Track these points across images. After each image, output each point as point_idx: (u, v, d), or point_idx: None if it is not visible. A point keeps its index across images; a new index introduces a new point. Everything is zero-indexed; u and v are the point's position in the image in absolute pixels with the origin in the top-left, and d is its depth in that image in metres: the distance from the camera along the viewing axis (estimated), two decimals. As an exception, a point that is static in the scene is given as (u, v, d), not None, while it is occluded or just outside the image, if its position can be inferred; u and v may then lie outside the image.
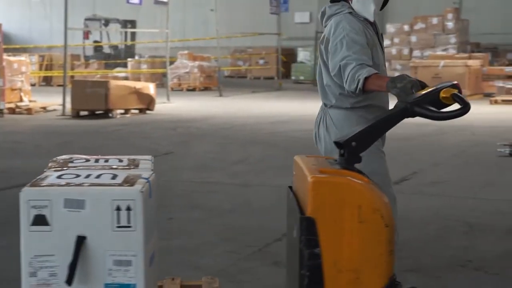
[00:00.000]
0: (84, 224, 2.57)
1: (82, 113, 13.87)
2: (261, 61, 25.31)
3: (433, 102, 2.96)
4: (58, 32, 23.06)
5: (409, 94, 3.09)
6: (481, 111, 14.01)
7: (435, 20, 19.56)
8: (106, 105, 13.58)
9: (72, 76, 18.33)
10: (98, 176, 2.69)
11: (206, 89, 21.03)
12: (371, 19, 3.69)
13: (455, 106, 2.85)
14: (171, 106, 16.01)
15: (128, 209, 2.59)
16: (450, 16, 19.58)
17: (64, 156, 3.06)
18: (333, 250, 2.63)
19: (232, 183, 7.43)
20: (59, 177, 2.68)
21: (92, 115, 13.83)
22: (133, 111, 14.21)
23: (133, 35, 24.53)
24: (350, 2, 3.74)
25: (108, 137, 11.08)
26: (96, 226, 2.58)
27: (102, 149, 9.82)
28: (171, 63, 20.45)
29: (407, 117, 2.98)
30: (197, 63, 21.05)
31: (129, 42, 24.44)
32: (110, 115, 13.61)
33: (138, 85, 14.67)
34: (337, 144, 2.89)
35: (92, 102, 13.67)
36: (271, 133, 11.30)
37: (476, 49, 21.62)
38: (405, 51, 20.26)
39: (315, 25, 23.86)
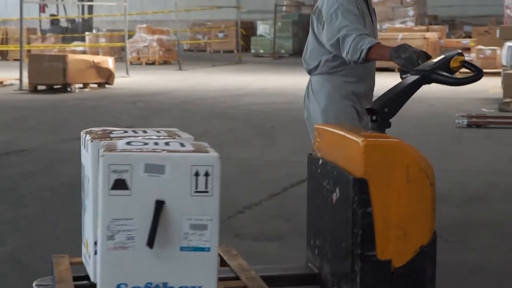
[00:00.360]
0: (163, 189, 2.61)
1: (40, 87, 13.69)
2: (220, 35, 25.20)
3: (445, 69, 3.20)
4: (13, 5, 22.65)
5: (415, 64, 3.31)
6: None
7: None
8: (64, 79, 13.42)
9: (28, 50, 18.05)
10: (167, 144, 2.74)
11: (165, 63, 20.89)
12: None
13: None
14: (130, 80, 15.89)
15: (206, 174, 2.64)
16: (408, -12, 19.68)
17: (94, 129, 3.08)
18: (383, 209, 2.80)
19: (193, 156, 7.41)
20: (128, 143, 2.72)
21: (50, 89, 13.66)
22: (92, 85, 14.07)
23: (91, 8, 24.22)
24: None
25: (67, 112, 10.97)
26: (175, 191, 2.63)
27: (61, 124, 9.73)
28: (130, 37, 20.25)
29: (426, 83, 3.19)
30: (156, 36, 20.87)
31: (86, 16, 24.14)
32: (69, 89, 13.46)
33: (97, 59, 14.51)
34: (370, 110, 3.09)
35: (50, 77, 13.49)
36: (231, 106, 11.29)
37: (434, 21, 21.78)
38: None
39: (274, -2, 23.82)
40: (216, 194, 2.65)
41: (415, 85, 3.19)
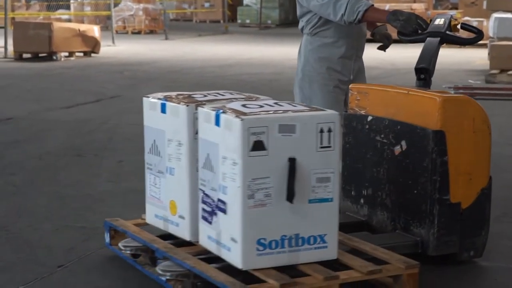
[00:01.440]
0: (294, 147, 2.86)
1: (25, 55, 13.57)
2: (206, 4, 25.03)
3: (449, 29, 3.64)
4: (-3, -28, 22.38)
5: (413, 25, 3.64)
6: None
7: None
8: (50, 47, 13.31)
9: (13, 18, 17.86)
10: (275, 104, 3.00)
11: (151, 32, 20.75)
12: None
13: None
14: (116, 49, 15.77)
15: (329, 130, 2.91)
16: (395, -41, 19.58)
17: (166, 93, 3.31)
18: (455, 157, 3.23)
19: (181, 126, 7.39)
20: (244, 106, 2.96)
21: (36, 57, 13.54)
22: (77, 54, 13.96)
23: (75, -24, 23.95)
24: None
25: (52, 80, 10.88)
26: (304, 148, 2.88)
27: (47, 92, 9.66)
28: (116, 5, 20.07)
29: (443, 43, 3.62)
30: (142, 5, 20.70)
31: (71, -16, 23.86)
32: (54, 57, 13.35)
33: (83, 27, 14.38)
34: (422, 69, 3.54)
35: (35, 45, 13.37)
36: (219, 76, 11.25)
37: (421, -8, 21.73)
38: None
39: (261, -33, 23.64)
40: (336, 148, 2.95)
41: (439, 47, 3.59)
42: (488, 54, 11.31)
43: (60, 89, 9.97)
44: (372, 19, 3.85)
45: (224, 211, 2.91)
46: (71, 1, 22.10)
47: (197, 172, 3.11)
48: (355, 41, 4.04)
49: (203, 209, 3.06)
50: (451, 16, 3.66)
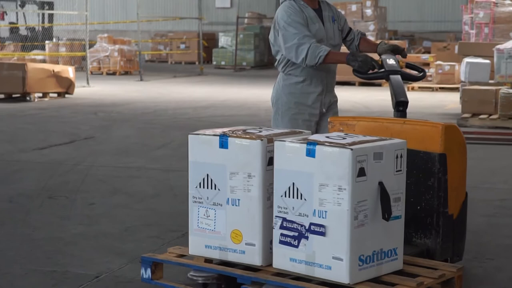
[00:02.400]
0: (381, 172, 3.28)
1: (-1, 96, 13.52)
2: (182, 46, 25.15)
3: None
4: (-28, 12, 22.40)
5: (370, 65, 4.17)
6: (399, 98, 14.28)
7: (354, 7, 19.82)
8: (23, 88, 13.28)
9: (-13, 59, 17.82)
10: (347, 138, 3.38)
11: (126, 73, 20.78)
12: None
13: None
14: (91, 90, 15.77)
15: (401, 156, 3.38)
16: (368, 3, 19.84)
17: (217, 129, 3.64)
18: (450, 176, 3.73)
19: (154, 168, 7.38)
20: (328, 137, 3.36)
21: (9, 98, 13.49)
22: (51, 94, 13.93)
23: (51, 17, 23.99)
24: None
25: (26, 121, 10.84)
26: (387, 172, 3.32)
27: (20, 133, 9.61)
28: (91, 46, 20.10)
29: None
30: (117, 46, 20.74)
31: (46, 24, 23.90)
32: (28, 98, 13.31)
33: (57, 68, 14.37)
34: (403, 102, 4.05)
35: (8, 85, 13.33)
36: (193, 118, 11.27)
37: (394, 36, 22.03)
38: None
39: (236, 10, 23.85)
40: (404, 171, 3.40)
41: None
42: (460, 98, 11.46)
43: (33, 130, 9.93)
44: (333, 61, 4.36)
45: (321, 233, 3.23)
46: (46, 42, 22.11)
47: (268, 201, 3.41)
48: (323, 77, 4.49)
49: (282, 234, 3.33)
50: (394, 56, 4.25)
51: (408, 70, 4.39)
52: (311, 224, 3.25)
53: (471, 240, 4.74)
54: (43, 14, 23.85)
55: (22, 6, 24.05)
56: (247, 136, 3.43)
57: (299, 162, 3.26)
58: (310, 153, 3.24)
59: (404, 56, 4.47)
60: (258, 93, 14.95)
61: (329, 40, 4.52)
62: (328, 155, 3.20)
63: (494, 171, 7.30)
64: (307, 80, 4.46)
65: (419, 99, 13.98)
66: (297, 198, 3.28)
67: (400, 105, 4.02)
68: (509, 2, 14.86)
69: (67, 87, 14.09)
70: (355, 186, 3.17)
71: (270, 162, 3.40)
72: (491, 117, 10.35)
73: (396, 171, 3.35)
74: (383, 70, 4.20)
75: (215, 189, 3.49)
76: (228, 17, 26.03)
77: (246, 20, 24.46)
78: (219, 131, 3.58)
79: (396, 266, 3.41)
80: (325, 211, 3.21)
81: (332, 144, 3.23)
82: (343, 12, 20.88)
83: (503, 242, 4.92)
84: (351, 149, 3.16)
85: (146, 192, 6.32)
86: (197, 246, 3.62)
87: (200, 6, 21.79)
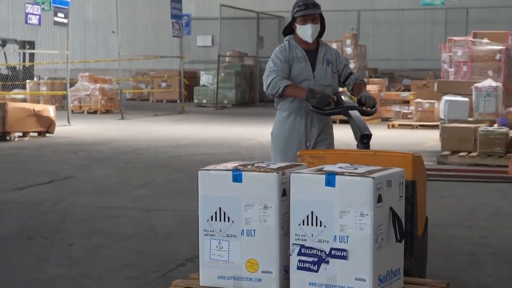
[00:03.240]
0: (390, 198, 3.55)
1: (-22, 135, 13.44)
2: (163, 84, 25.20)
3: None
4: (-48, 52, 22.36)
5: (327, 102, 4.64)
6: (379, 135, 14.36)
7: (334, 45, 20.00)
8: (3, 127, 13.22)
9: (-33, 98, 17.75)
10: (357, 168, 3.65)
11: (108, 112, 20.76)
12: (309, 40, 4.96)
13: None
14: (72, 129, 15.73)
15: (402, 183, 3.67)
16: (348, 41, 20.05)
17: (224, 164, 3.85)
18: (419, 201, 4.02)
19: (134, 207, 7.35)
20: (341, 168, 3.62)
21: (-11, 138, 13.42)
22: (32, 134, 13.88)
23: (32, 56, 24.01)
24: (295, 30, 5.02)
25: (5, 161, 10.77)
26: (394, 198, 3.59)
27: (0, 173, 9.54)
28: (72, 85, 20.10)
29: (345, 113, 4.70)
30: (98, 85, 20.74)
31: (28, 63, 23.90)
32: (8, 138, 13.25)
33: (37, 107, 14.33)
34: (367, 136, 4.50)
35: (-12, 125, 13.27)
36: (174, 156, 11.25)
37: (374, 74, 22.21)
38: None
39: (217, 48, 24.00)
40: (404, 196, 3.72)
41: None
42: (440, 135, 11.53)
43: (13, 170, 9.86)
44: (291, 94, 4.86)
45: (343, 257, 3.48)
46: (27, 81, 22.08)
47: (282, 230, 3.64)
48: (307, 113, 4.91)
49: (301, 261, 3.55)
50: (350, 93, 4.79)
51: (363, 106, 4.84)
52: (331, 249, 3.50)
53: (452, 277, 4.74)
54: (24, 53, 23.86)
55: (3, 45, 24.05)
56: (262, 170, 3.66)
57: (318, 192, 3.51)
58: (330, 183, 3.49)
59: (371, 106, 4.89)
60: (240, 131, 14.98)
61: (319, 81, 4.94)
62: (349, 183, 3.47)
63: (474, 209, 7.33)
64: (292, 115, 4.95)
65: (399, 137, 14.06)
66: (316, 225, 3.52)
67: (365, 138, 4.42)
68: (487, 41, 15.05)
69: (47, 126, 14.05)
70: (376, 212, 3.45)
71: (283, 193, 3.65)
72: (470, 154, 10.42)
73: (399, 197, 3.66)
74: (341, 106, 4.68)
75: (228, 221, 3.68)
76: (210, 56, 26.16)
77: (227, 59, 24.60)
78: (229, 166, 3.78)
79: (400, 285, 3.71)
80: (347, 236, 3.47)
81: (351, 174, 3.50)
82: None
83: (484, 281, 4.92)
84: (373, 178, 3.44)
85: (126, 232, 6.28)
86: (209, 277, 3.74)
87: (182, 45, 21.90)
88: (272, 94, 4.88)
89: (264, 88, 4.96)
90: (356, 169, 3.61)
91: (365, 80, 5.15)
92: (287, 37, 5.09)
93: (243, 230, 3.66)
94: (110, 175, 9.47)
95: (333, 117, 5.13)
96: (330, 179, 3.49)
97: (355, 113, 4.63)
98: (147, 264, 5.24)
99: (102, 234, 6.19)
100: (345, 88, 5.18)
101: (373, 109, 4.86)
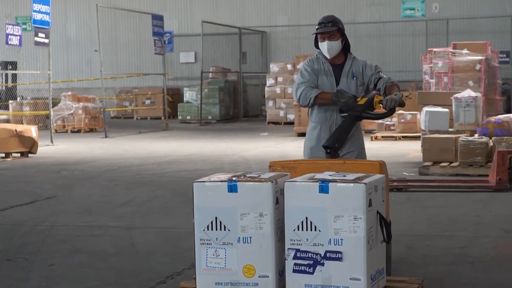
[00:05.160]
0: (377, 202, 3.85)
1: (-39, 157, 13.39)
2: (147, 101, 25.19)
3: (369, 108, 4.87)
4: None
5: (351, 106, 4.84)
6: (362, 147, 14.39)
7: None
8: (-15, 149, 13.17)
9: (-51, 120, 17.68)
10: (346, 175, 3.93)
11: (91, 130, 20.73)
12: (328, 56, 5.26)
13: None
14: (55, 148, 15.69)
15: (383, 189, 3.98)
16: (331, 55, 20.17)
17: (217, 175, 4.08)
18: (387, 205, 4.24)
19: (116, 226, 7.34)
20: (332, 176, 3.87)
21: (-29, 159, 13.36)
22: (14, 154, 13.84)
23: (15, 76, 23.97)
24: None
25: (-13, 182, 10.73)
26: (379, 202, 3.89)
27: (-19, 195, 9.50)
28: (55, 104, 20.06)
29: (359, 120, 4.96)
30: (81, 104, 20.71)
31: (10, 84, 23.86)
32: (-10, 159, 13.21)
33: (19, 128, 14.29)
34: (325, 147, 4.75)
35: (-30, 146, 13.22)
36: (157, 173, 11.25)
37: (357, 87, 22.31)
38: (289, 90, 20.70)
39: (200, 65, 24.04)
40: (385, 201, 4.04)
41: (352, 123, 4.88)
42: (421, 146, 11.59)
43: (-5, 191, 9.82)
44: (321, 101, 5.15)
45: (338, 259, 3.71)
46: (10, 102, 22.04)
47: (277, 236, 3.85)
48: (332, 125, 5.18)
49: (296, 264, 3.78)
50: (374, 95, 4.88)
51: (380, 109, 4.98)
52: (327, 251, 3.72)
53: (430, 289, 4.77)
54: (6, 74, 23.82)
55: (-15, 66, 23.99)
56: (256, 180, 3.86)
57: (312, 199, 3.74)
58: (324, 190, 3.72)
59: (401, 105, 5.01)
60: (223, 147, 14.99)
61: (328, 89, 5.21)
62: (342, 190, 3.72)
63: (455, 219, 7.37)
64: (319, 126, 5.26)
65: (382, 149, 14.12)
66: (311, 230, 3.74)
67: (326, 149, 4.71)
68: (466, 51, 15.18)
69: (30, 146, 14.01)
70: (368, 215, 3.69)
71: (277, 201, 3.86)
72: (451, 164, 10.48)
73: (382, 201, 3.94)
74: (348, 112, 4.96)
75: (224, 230, 3.87)
76: (193, 72, 26.20)
77: (210, 75, 24.64)
78: (223, 177, 3.97)
79: (384, 282, 4.00)
80: (341, 239, 3.71)
81: (344, 181, 3.73)
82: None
83: (462, 290, 4.94)
84: (365, 184, 3.69)
85: (107, 250, 6.27)
86: (206, 284, 3.92)
87: (165, 62, 21.93)
88: (304, 105, 5.21)
89: (295, 100, 5.41)
90: (345, 176, 3.83)
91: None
92: (318, 52, 5.39)
93: (239, 237, 3.85)
94: (93, 194, 9.45)
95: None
96: (324, 186, 3.72)
97: (346, 118, 4.92)
98: (127, 283, 5.23)
99: (83, 254, 6.18)
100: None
101: (386, 112, 4.96)
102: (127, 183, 10.32)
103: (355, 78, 5.25)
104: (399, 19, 24.33)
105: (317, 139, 5.24)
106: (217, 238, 3.89)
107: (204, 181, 3.97)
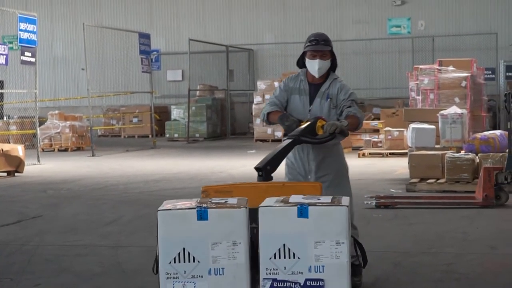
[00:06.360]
0: (341, 227, 3.58)
1: None
2: (134, 120, 25.17)
3: (311, 132, 4.69)
4: None
5: (294, 129, 4.73)
6: (350, 164, 14.35)
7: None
8: (-29, 168, 13.10)
9: None
10: (319, 198, 3.75)
11: (78, 149, 20.66)
12: (316, 75, 5.14)
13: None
14: (41, 167, 15.63)
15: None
16: (318, 73, 20.24)
17: (182, 202, 3.74)
18: None
19: (103, 244, 7.30)
20: (306, 198, 3.64)
21: (-43, 179, 13.29)
22: (1, 174, 13.76)
23: (1, 95, 23.90)
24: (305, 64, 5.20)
25: (-27, 202, 10.66)
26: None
27: (-33, 215, 9.43)
28: (42, 123, 19.99)
29: (298, 144, 4.73)
30: (68, 123, 20.65)
31: (-3, 103, 23.78)
32: (-24, 178, 13.13)
33: (6, 147, 14.23)
34: (257, 168, 4.41)
35: (-44, 166, 13.15)
36: (144, 192, 11.22)
37: (344, 104, 22.36)
38: (276, 107, 20.72)
39: (187, 82, 24.06)
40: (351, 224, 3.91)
41: (289, 147, 4.61)
42: (408, 163, 11.62)
43: (-20, 211, 9.76)
44: (272, 120, 5.14)
45: (320, 287, 3.46)
46: (-4, 120, 21.94)
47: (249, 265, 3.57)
48: (303, 146, 4.98)
49: None
50: (317, 120, 4.77)
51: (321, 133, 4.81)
52: (306, 280, 3.47)
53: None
54: (-7, 93, 23.74)
55: (-28, 85, 23.91)
56: (228, 206, 3.57)
57: (290, 224, 3.48)
58: (303, 214, 3.48)
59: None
60: (211, 164, 14.98)
61: (314, 115, 5.04)
62: (323, 213, 3.48)
63: (442, 235, 7.38)
64: (296, 146, 5.02)
65: (369, 165, 14.14)
66: (289, 257, 3.49)
67: (258, 171, 4.43)
68: (452, 68, 15.27)
69: (16, 165, 13.94)
70: (349, 239, 3.52)
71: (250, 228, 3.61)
72: (438, 181, 10.51)
73: (350, 225, 3.76)
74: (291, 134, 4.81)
75: (194, 261, 3.54)
76: (180, 90, 26.21)
77: (198, 92, 24.66)
78: (189, 204, 3.65)
79: None
80: (323, 266, 3.47)
81: (323, 204, 3.50)
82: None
83: (449, 307, 4.94)
84: (346, 206, 3.49)
85: (93, 270, 6.24)
86: None
87: (152, 80, 21.94)
88: (262, 120, 5.26)
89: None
90: (319, 199, 3.60)
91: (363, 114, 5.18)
92: (300, 70, 5.29)
93: (210, 269, 3.54)
94: (79, 213, 9.41)
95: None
96: (303, 210, 3.48)
97: (284, 141, 4.74)
98: (113, 302, 5.20)
99: (69, 273, 6.14)
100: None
101: (326, 137, 4.77)
102: (114, 201, 10.29)
103: (329, 99, 5.10)
104: (385, 37, 24.46)
105: (294, 159, 5.13)
106: (185, 271, 3.56)
107: (170, 209, 3.61)
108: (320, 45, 5.10)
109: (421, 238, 7.29)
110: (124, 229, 8.11)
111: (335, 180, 5.10)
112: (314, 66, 5.12)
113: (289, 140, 4.56)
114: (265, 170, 4.33)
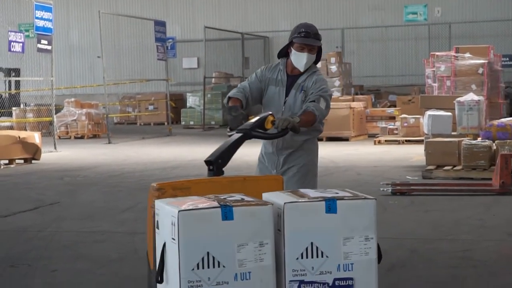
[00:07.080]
0: (369, 221, 3.34)
1: (-36, 164, 13.40)
2: (150, 107, 25.22)
3: (260, 127, 4.42)
4: None
5: (239, 124, 4.43)
6: (366, 151, 14.41)
7: (319, 64, 20.09)
8: (-12, 156, 13.18)
9: (-47, 127, 17.72)
10: (337, 192, 3.45)
11: (95, 136, 20.74)
12: (301, 69, 4.89)
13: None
14: (58, 155, 15.70)
15: None
16: (333, 60, 20.11)
17: (199, 201, 3.35)
18: None
19: (119, 231, 7.34)
20: (322, 192, 3.42)
21: (-25, 166, 13.38)
22: (18, 161, 13.85)
23: (18, 83, 24.01)
24: (290, 54, 4.92)
25: (-9, 189, 10.74)
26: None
27: (-16, 202, 9.51)
28: (58, 111, 20.08)
29: (247, 139, 4.32)
30: (84, 110, 20.74)
31: (13, 91, 23.89)
32: (-6, 165, 13.22)
33: (23, 134, 14.31)
34: (207, 162, 4.03)
35: (-26, 153, 13.24)
36: (160, 179, 11.25)
37: (360, 91, 22.30)
38: (292, 95, 20.65)
39: (203, 70, 24.06)
40: None
41: (240, 141, 4.26)
42: (424, 150, 11.57)
43: (-2, 197, 9.83)
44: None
45: (349, 286, 3.27)
46: (13, 108, 22.06)
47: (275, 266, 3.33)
48: (275, 140, 4.78)
49: None
50: (267, 115, 4.46)
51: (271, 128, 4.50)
52: (335, 279, 3.28)
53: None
54: (9, 81, 23.86)
55: (-11, 73, 24.03)
56: (253, 203, 3.28)
57: (318, 220, 3.27)
58: (331, 209, 3.28)
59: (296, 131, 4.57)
60: (226, 152, 14.97)
61: (289, 107, 4.89)
62: (352, 207, 3.29)
63: (458, 222, 7.36)
64: (266, 141, 4.87)
65: (385, 153, 14.11)
66: (317, 257, 3.27)
67: (209, 164, 4.02)
68: (469, 55, 15.16)
69: (33, 153, 14.02)
70: (377, 234, 3.35)
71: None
72: (455, 168, 10.47)
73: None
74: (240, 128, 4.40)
75: (218, 266, 3.21)
76: (195, 77, 26.23)
77: (213, 80, 24.66)
78: (204, 203, 3.28)
79: None
80: (352, 263, 3.28)
81: (351, 197, 3.32)
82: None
83: (465, 294, 4.93)
84: (375, 199, 3.32)
85: (110, 256, 6.27)
86: None
87: (167, 68, 21.96)
88: (225, 102, 4.90)
89: None
90: (337, 193, 3.36)
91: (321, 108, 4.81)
92: (280, 60, 5.00)
93: (236, 274, 3.23)
94: (95, 200, 9.45)
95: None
96: (331, 205, 3.26)
97: (234, 135, 4.31)
98: (130, 288, 5.23)
99: (86, 259, 6.17)
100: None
101: (278, 133, 4.53)
102: (130, 188, 10.32)
103: (302, 92, 4.88)
104: (401, 24, 24.34)
105: (264, 153, 5.00)
106: (209, 278, 3.19)
107: (192, 209, 3.22)
108: (311, 39, 4.86)
109: (438, 225, 7.27)
110: (140, 216, 8.13)
111: (298, 174, 4.88)
112: (302, 60, 4.87)
113: (239, 135, 4.25)
114: (217, 164, 4.01)
